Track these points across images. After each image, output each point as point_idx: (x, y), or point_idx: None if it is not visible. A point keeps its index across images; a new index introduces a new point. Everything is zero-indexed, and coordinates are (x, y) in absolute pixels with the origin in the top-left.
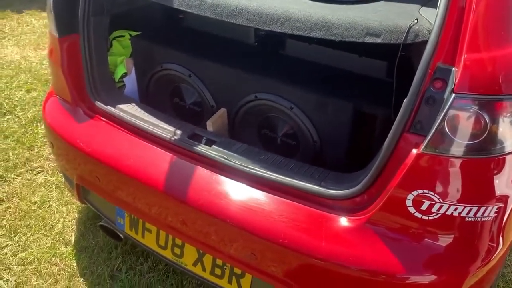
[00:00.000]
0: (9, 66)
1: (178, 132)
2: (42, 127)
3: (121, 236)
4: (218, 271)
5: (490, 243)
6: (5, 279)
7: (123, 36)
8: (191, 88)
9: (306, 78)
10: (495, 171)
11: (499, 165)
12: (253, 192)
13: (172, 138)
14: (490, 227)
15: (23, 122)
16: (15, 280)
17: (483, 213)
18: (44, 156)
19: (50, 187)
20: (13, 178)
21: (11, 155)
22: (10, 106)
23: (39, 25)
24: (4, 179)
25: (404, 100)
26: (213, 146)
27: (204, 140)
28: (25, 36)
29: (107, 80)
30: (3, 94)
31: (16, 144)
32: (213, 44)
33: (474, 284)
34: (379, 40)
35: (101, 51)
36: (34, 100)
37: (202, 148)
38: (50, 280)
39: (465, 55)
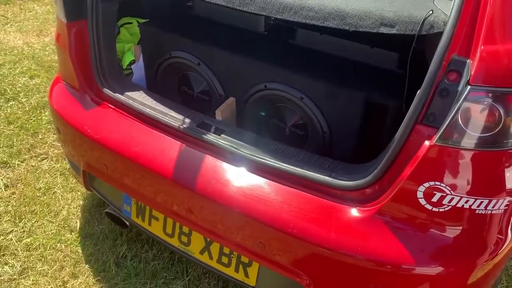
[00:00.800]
0: (12, 52)
1: (187, 120)
2: (46, 113)
3: (127, 223)
4: (225, 260)
5: (499, 236)
6: (10, 265)
7: (131, 23)
8: (200, 76)
9: (317, 68)
10: (507, 164)
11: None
12: (262, 181)
13: (181, 127)
14: (499, 220)
15: (27, 108)
16: (20, 266)
17: (493, 206)
18: (49, 142)
19: (55, 174)
20: (17, 164)
21: (15, 141)
22: (14, 92)
23: (42, 11)
24: (8, 165)
25: (418, 92)
26: (222, 135)
27: (213, 129)
28: (27, 22)
29: (115, 67)
30: (6, 80)
31: (20, 130)
32: (222, 32)
33: (480, 278)
34: (393, 31)
35: (109, 37)
36: (37, 86)
37: (211, 137)
38: (55, 266)
39: (482, 47)
